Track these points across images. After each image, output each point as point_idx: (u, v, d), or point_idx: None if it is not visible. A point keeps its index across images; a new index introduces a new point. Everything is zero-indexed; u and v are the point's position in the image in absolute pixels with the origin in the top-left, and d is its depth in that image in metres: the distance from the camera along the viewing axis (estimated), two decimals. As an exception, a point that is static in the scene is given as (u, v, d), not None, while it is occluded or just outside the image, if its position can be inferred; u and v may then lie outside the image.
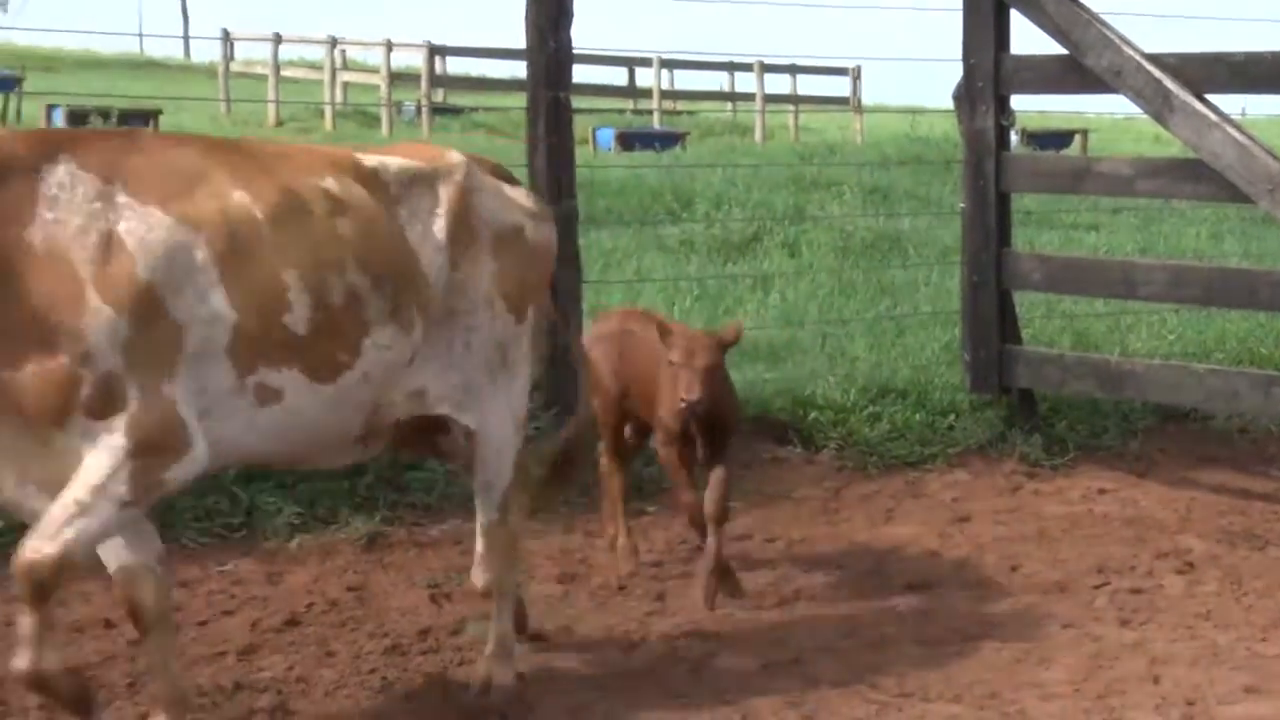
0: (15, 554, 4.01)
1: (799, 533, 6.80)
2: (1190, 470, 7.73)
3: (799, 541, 6.70)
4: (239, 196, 4.19)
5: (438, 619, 5.64)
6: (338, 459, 4.68)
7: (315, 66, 29.34)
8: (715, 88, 32.91)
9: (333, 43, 27.97)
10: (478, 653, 5.25)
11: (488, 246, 4.69)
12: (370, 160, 4.57)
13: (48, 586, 3.97)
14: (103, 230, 3.98)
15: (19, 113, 22.83)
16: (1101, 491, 7.45)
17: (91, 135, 4.32)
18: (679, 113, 29.90)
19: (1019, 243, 9.06)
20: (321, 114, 25.55)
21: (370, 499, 6.65)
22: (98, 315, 3.92)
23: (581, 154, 8.15)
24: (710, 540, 5.77)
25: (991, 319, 8.02)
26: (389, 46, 27.42)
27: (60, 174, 3.99)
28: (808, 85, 32.29)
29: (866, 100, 30.67)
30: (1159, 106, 7.24)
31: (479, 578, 4.97)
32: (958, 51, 8.02)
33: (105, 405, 3.94)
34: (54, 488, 3.98)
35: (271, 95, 25.98)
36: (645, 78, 30.93)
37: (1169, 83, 7.17)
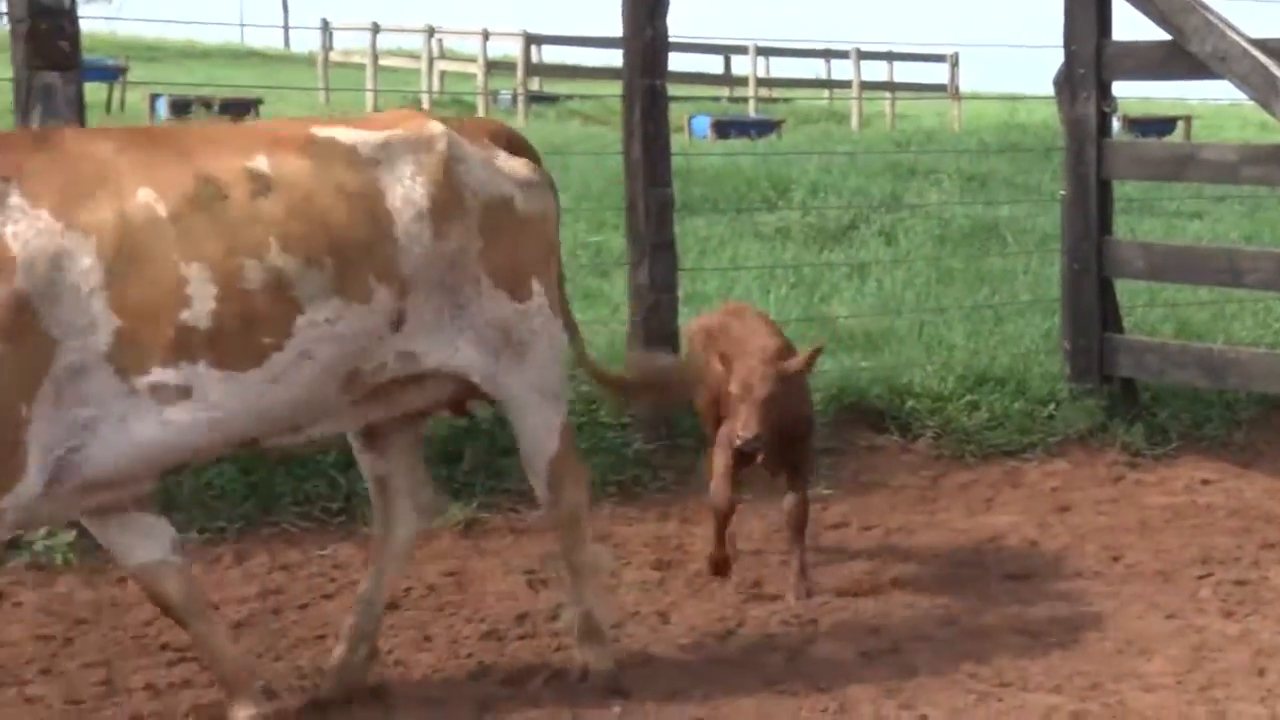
0: None
1: (896, 521, 6.77)
2: (1296, 460, 7.62)
3: (896, 530, 6.66)
4: (143, 195, 4.10)
5: (534, 604, 5.67)
6: (334, 426, 4.56)
7: (413, 55, 29.53)
8: (811, 75, 32.79)
9: (430, 32, 28.14)
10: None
11: (475, 221, 4.56)
12: (326, 131, 4.43)
13: None
14: None
15: (123, 102, 23.15)
16: (1205, 482, 7.35)
17: (5, 134, 4.26)
18: (775, 100, 29.81)
19: (1121, 230, 8.95)
20: (419, 103, 25.70)
21: (468, 485, 6.69)
22: None
23: (677, 142, 8.14)
24: (794, 559, 5.76)
25: (1093, 307, 7.95)
26: (486, 35, 27.55)
27: None
28: (905, 72, 32.09)
29: (964, 87, 30.43)
30: (1265, 92, 7.12)
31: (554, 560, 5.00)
32: (1058, 38, 7.94)
33: None
34: None
35: (369, 84, 26.18)
36: (741, 65, 30.86)
37: (1276, 69, 7.05)
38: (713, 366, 5.81)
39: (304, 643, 5.18)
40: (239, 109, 20.01)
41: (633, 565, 6.13)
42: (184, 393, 4.12)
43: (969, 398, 7.85)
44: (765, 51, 30.65)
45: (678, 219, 7.72)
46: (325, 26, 28.98)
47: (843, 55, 30.40)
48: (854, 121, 26.87)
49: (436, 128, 4.57)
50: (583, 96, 26.18)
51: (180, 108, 20.67)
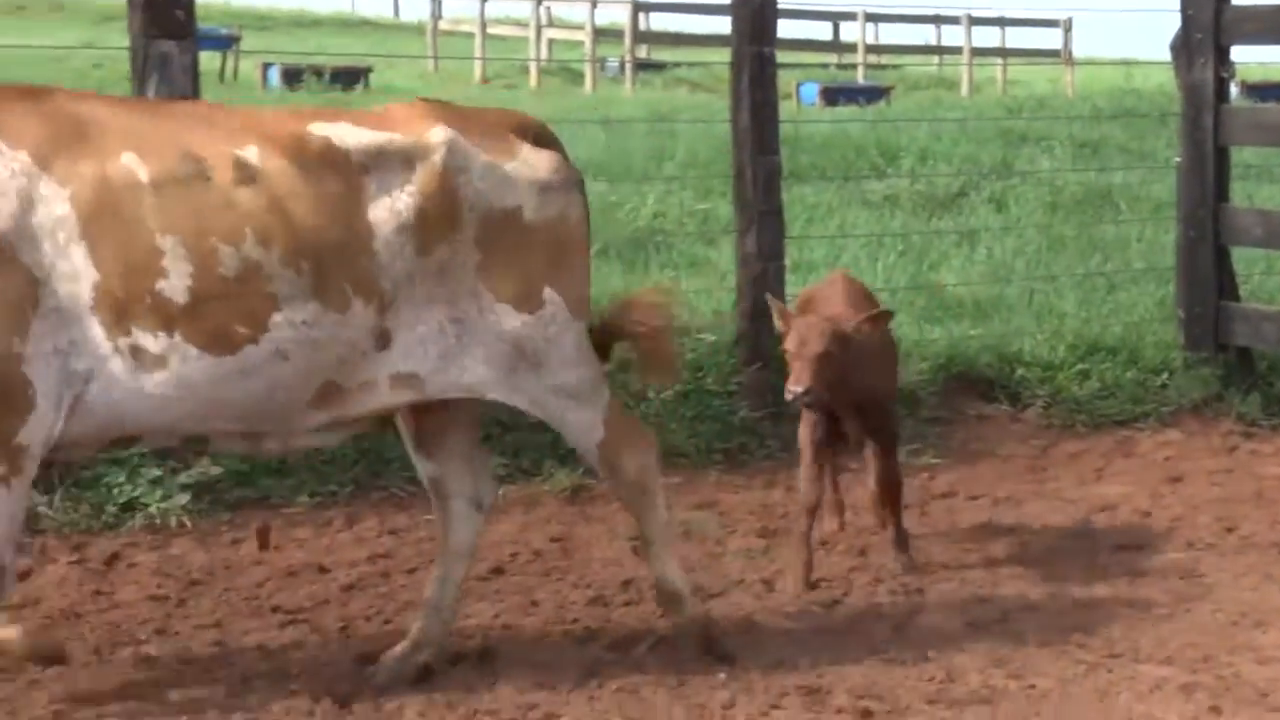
0: None
1: (1005, 491, 6.72)
2: None
3: (1005, 500, 6.61)
4: (126, 158, 4.14)
5: (639, 570, 5.67)
6: (297, 441, 4.49)
7: (521, 24, 29.60)
8: (921, 41, 32.49)
9: (538, 0, 28.17)
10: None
11: (471, 235, 4.41)
12: (324, 130, 4.36)
13: None
14: None
15: (235, 71, 23.41)
16: (1322, 452, 7.23)
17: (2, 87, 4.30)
18: (884, 67, 29.57)
19: (1238, 198, 8.80)
20: (526, 71, 25.78)
21: (573, 451, 6.69)
22: None
23: (785, 109, 8.08)
24: (891, 530, 5.71)
25: (1209, 275, 7.83)
26: (594, 3, 27.51)
27: None
28: (1016, 37, 31.71)
29: (1078, 52, 30.01)
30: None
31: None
32: (1175, 2, 7.81)
33: None
34: None
35: (478, 52, 26.30)
36: (850, 32, 30.64)
37: (1401, 29, 6.89)
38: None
39: (411, 606, 5.22)
40: (349, 78, 20.19)
41: (738, 533, 6.13)
42: (160, 362, 4.15)
43: (1080, 366, 7.78)
44: (874, 17, 30.43)
45: (785, 187, 7.69)
46: (435, -5, 29.10)
47: (953, 21, 30.11)
48: (964, 88, 26.59)
49: (437, 135, 4.41)
50: (690, 64, 26.13)
51: (292, 76, 20.88)
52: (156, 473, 6.03)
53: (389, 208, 4.33)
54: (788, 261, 7.57)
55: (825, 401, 5.38)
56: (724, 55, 7.76)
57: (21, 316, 4.04)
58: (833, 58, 29.67)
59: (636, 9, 27.61)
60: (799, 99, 21.49)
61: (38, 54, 19.00)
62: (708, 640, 4.81)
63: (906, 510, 6.32)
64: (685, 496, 6.56)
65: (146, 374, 4.15)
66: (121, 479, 6.03)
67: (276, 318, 4.22)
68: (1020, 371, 7.70)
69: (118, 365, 4.13)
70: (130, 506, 5.99)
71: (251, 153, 4.25)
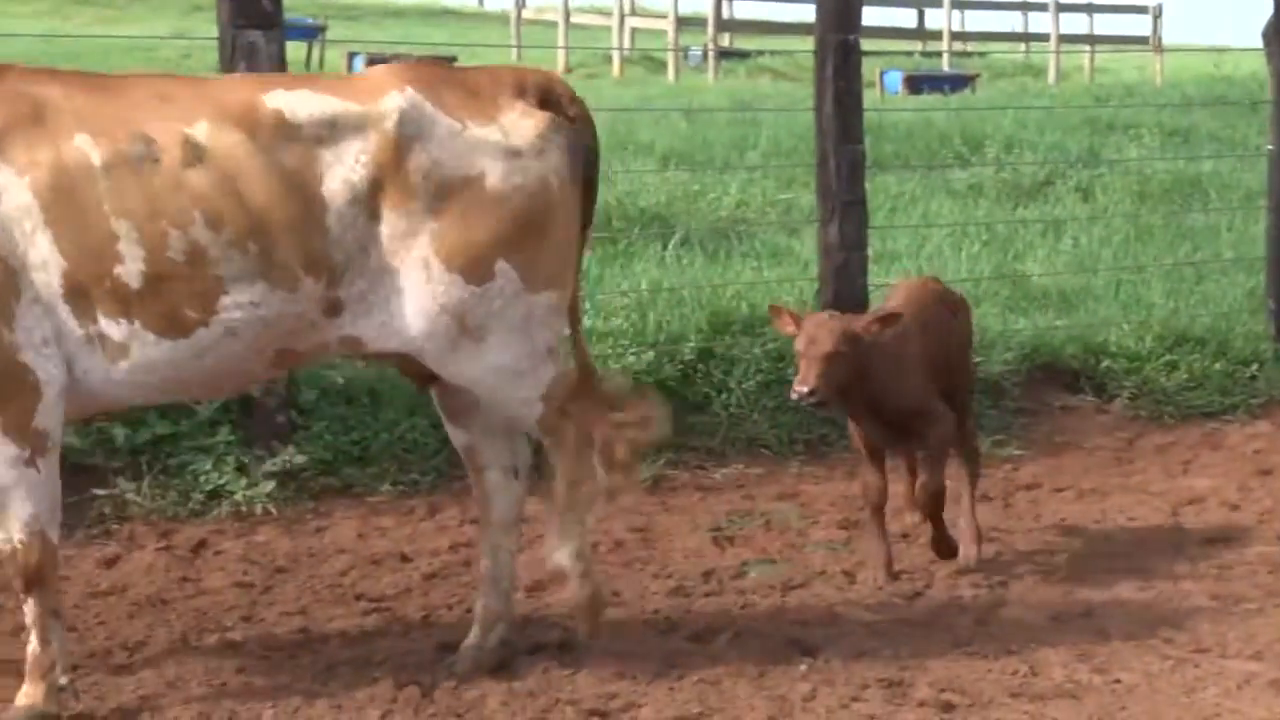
0: None
1: (1090, 483, 6.66)
2: None
3: (1090, 492, 6.55)
4: (80, 141, 4.12)
5: (720, 561, 5.68)
6: (245, 387, 4.65)
7: (604, 13, 29.60)
8: (1008, 28, 32.18)
9: (621, -11, 28.16)
10: (761, 595, 5.27)
11: (425, 203, 4.28)
12: (278, 100, 4.26)
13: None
14: None
15: (321, 60, 23.55)
16: None
17: None
18: (969, 54, 29.33)
19: (1331, 185, 8.65)
20: (609, 60, 25.78)
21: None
22: None
23: (868, 97, 8.04)
24: (935, 533, 5.57)
25: (1300, 265, 7.72)
26: (676, -9, 27.48)
27: None
28: (1105, 24, 31.42)
29: (1167, 39, 29.63)
30: None
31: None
32: (1267, -14, 7.71)
33: None
34: None
35: (561, 42, 26.31)
36: (935, 19, 30.40)
37: None
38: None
39: (494, 595, 5.24)
40: (433, 67, 20.20)
41: (819, 524, 6.11)
42: (123, 350, 4.18)
43: (1167, 357, 7.70)
44: (960, 4, 30.14)
45: (868, 176, 7.66)
46: (519, -16, 29.17)
47: (1040, 8, 29.79)
48: (1051, 76, 26.31)
49: (391, 102, 4.27)
50: (773, 52, 26.03)
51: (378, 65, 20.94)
52: (242, 461, 6.09)
53: (343, 179, 4.24)
54: (870, 251, 7.53)
55: (833, 402, 5.26)
56: (808, 43, 7.72)
57: (5, 305, 4.09)
58: (917, 45, 29.45)
59: (719, -3, 27.52)
60: (883, 87, 21.34)
61: (128, 44, 19.24)
62: (592, 624, 4.65)
63: (990, 502, 6.30)
64: (767, 487, 6.56)
65: (113, 362, 4.19)
66: (208, 467, 6.10)
67: (225, 300, 4.19)
68: (1106, 363, 7.64)
69: (90, 354, 4.18)
70: (216, 494, 6.06)
71: (201, 131, 4.18)
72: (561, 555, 4.59)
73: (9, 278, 4.09)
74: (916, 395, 5.40)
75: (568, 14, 28.05)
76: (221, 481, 6.08)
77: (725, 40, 27.81)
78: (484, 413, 4.65)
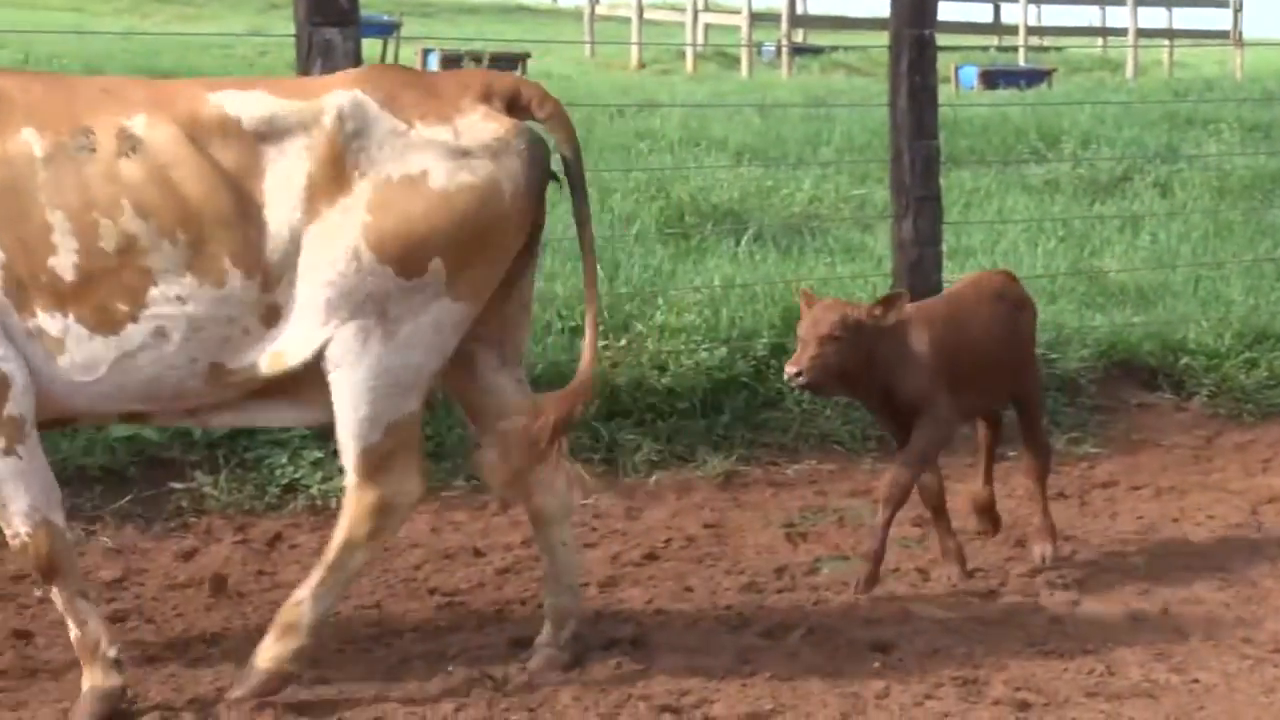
0: None
1: (1168, 481, 6.60)
2: None
3: (1168, 490, 6.49)
4: (26, 134, 4.13)
5: (793, 557, 5.66)
6: (242, 420, 4.45)
7: (677, 8, 29.58)
8: (1085, 23, 31.90)
9: (695, -15, 28.13)
10: (833, 592, 5.25)
11: (362, 198, 4.21)
12: (221, 98, 4.24)
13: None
14: None
15: (396, 57, 23.68)
16: None
17: None
18: (1045, 49, 29.11)
19: None
20: (682, 56, 25.77)
21: (727, 438, 6.71)
22: None
23: (943, 92, 8.00)
24: (880, 529, 5.25)
25: (1382, 261, 7.62)
26: (750, -13, 27.43)
27: None
28: (1184, 18, 31.00)
29: (1248, 33, 29.26)
30: None
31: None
32: (1350, -22, 7.59)
33: None
34: None
35: (634, 38, 26.33)
36: (1012, 13, 30.19)
37: None
38: None
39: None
40: (507, 63, 20.29)
41: (894, 520, 6.07)
42: (60, 346, 4.17)
43: (1247, 355, 7.64)
44: (1037, -1, 29.93)
45: (943, 171, 7.62)
46: (593, -19, 29.20)
47: (1118, 2, 29.52)
48: (1129, 70, 26.07)
49: (331, 100, 4.24)
50: (847, 48, 25.93)
51: (451, 63, 21.06)
52: (318, 455, 6.14)
53: (282, 177, 4.21)
54: (945, 247, 7.49)
55: (830, 387, 5.20)
56: (881, 39, 7.72)
57: None
58: (993, 40, 29.26)
59: (794, -7, 27.44)
60: (957, 82, 21.22)
61: (206, 41, 19.43)
62: (271, 678, 4.36)
63: (1066, 500, 6.26)
64: (839, 484, 6.54)
65: (53, 359, 4.18)
66: (284, 461, 6.15)
67: (153, 292, 4.16)
68: (1185, 360, 7.58)
69: (34, 351, 4.17)
70: (292, 488, 6.11)
71: (138, 122, 4.18)
72: (304, 611, 4.38)
73: None
74: (920, 385, 5.22)
75: (641, 10, 28.04)
76: (297, 475, 6.13)
77: (799, 36, 27.73)
78: (511, 412, 4.50)
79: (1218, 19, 30.83)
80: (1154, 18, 30.19)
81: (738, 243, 8.82)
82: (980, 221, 9.64)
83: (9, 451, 4.15)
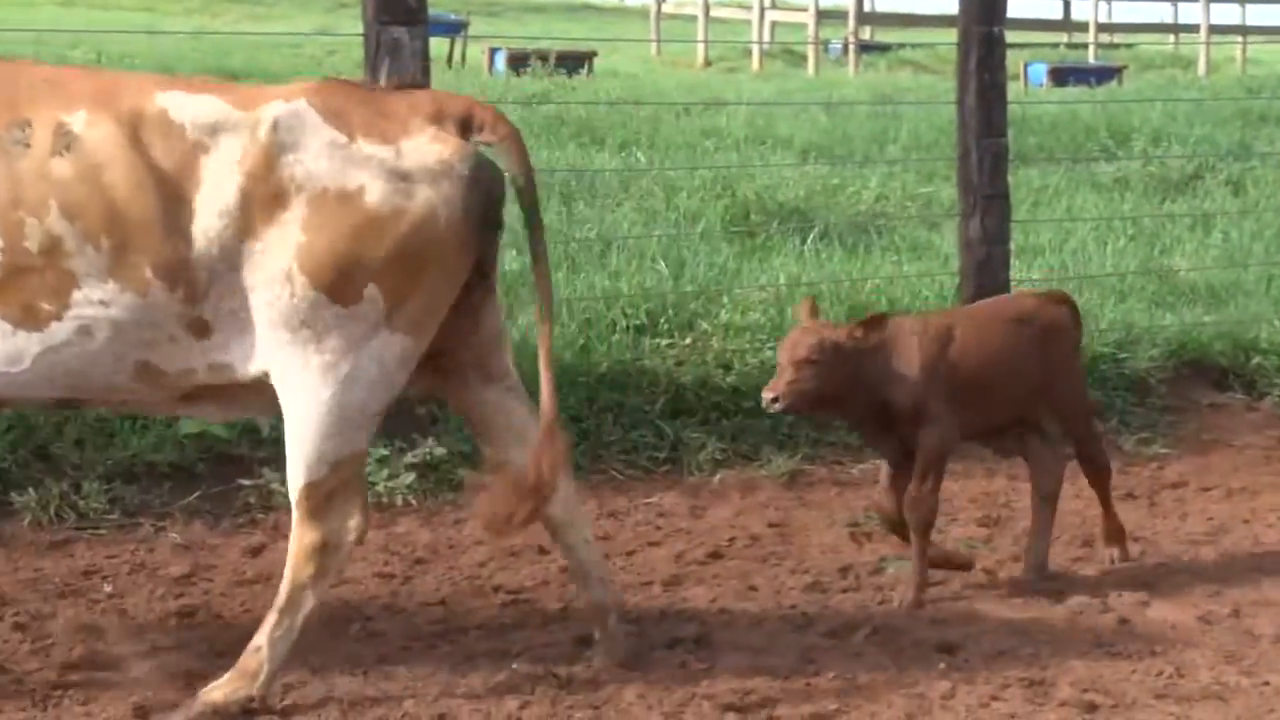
0: None
1: (1239, 481, 6.54)
2: None
3: (1239, 491, 6.43)
4: None
5: (858, 557, 5.64)
6: (186, 411, 4.45)
7: (744, 6, 29.54)
8: (1156, 19, 31.63)
9: (762, -17, 28.09)
10: (899, 592, 5.23)
11: (297, 215, 4.08)
12: (168, 99, 4.14)
13: None
14: None
15: (463, 56, 23.78)
16: None
17: None
18: (1116, 46, 28.88)
19: None
20: (749, 54, 25.74)
21: (791, 437, 6.70)
22: None
23: (1012, 90, 7.94)
24: (918, 554, 5.16)
25: None
26: (817, -15, 27.36)
27: None
28: (1258, 14, 30.67)
29: (1322, 29, 28.90)
30: None
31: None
32: None
33: None
34: None
35: (701, 35, 26.32)
36: (1082, 10, 29.98)
37: None
38: None
39: (630, 589, 5.26)
40: (574, 62, 20.33)
41: (959, 522, 6.05)
42: None
43: (1321, 355, 7.53)
44: (1107, -5, 29.71)
45: (1011, 169, 7.57)
46: (659, -21, 29.22)
47: (1190, -2, 29.26)
48: (1201, 67, 25.81)
49: (269, 111, 4.12)
50: (914, 45, 25.83)
51: (518, 61, 21.12)
52: (383, 453, 6.16)
53: (215, 190, 4.09)
54: (1013, 246, 7.44)
55: (810, 410, 5.16)
56: (949, 35, 7.67)
57: None
58: (1062, 37, 29.06)
59: (860, -10, 27.35)
60: (1026, 79, 21.07)
61: (275, 40, 19.57)
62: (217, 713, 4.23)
63: (1135, 501, 6.21)
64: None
65: None
66: (350, 457, 6.16)
67: (77, 295, 4.10)
68: (1257, 359, 7.51)
69: None
70: (358, 485, 6.13)
71: (78, 119, 4.10)
72: (263, 659, 4.26)
73: None
74: (915, 396, 5.09)
75: (707, 8, 28.03)
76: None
77: (866, 33, 27.63)
78: (511, 421, 4.50)
79: (1292, 15, 30.52)
80: (1227, 14, 29.91)
81: (803, 241, 8.79)
82: (1049, 220, 9.58)
83: None
